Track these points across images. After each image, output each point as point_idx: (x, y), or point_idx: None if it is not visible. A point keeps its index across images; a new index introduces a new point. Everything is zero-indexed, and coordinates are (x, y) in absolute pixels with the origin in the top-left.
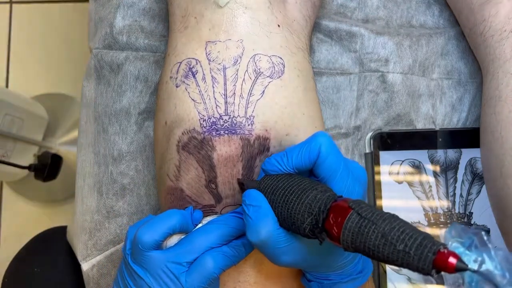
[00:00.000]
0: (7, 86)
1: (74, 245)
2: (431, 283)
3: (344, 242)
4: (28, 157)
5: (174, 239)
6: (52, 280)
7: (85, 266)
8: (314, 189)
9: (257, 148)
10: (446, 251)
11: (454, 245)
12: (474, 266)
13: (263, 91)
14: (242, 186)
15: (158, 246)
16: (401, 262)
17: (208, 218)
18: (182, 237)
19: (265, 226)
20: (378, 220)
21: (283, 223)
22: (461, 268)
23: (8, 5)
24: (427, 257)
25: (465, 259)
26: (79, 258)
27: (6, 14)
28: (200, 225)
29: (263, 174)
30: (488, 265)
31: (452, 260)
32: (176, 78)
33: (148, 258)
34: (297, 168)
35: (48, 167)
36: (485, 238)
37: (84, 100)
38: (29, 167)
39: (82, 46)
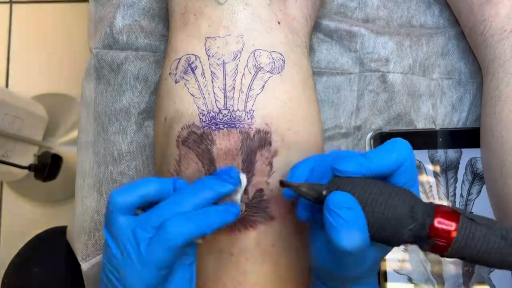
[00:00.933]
0: (7, 86)
1: (74, 245)
2: (432, 283)
3: (456, 246)
4: (28, 157)
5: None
6: (52, 280)
7: (85, 266)
8: (402, 194)
9: (257, 142)
10: None
11: None
12: None
13: (263, 86)
14: (285, 186)
15: (132, 212)
16: None
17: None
18: None
19: (362, 230)
20: (492, 225)
21: (370, 229)
22: None
23: (8, 5)
24: None
25: None
26: (79, 258)
27: (6, 14)
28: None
29: (332, 175)
30: None
31: None
32: (175, 74)
33: (115, 223)
34: (377, 173)
35: (48, 167)
36: None
37: (84, 100)
38: (29, 167)
39: (82, 46)
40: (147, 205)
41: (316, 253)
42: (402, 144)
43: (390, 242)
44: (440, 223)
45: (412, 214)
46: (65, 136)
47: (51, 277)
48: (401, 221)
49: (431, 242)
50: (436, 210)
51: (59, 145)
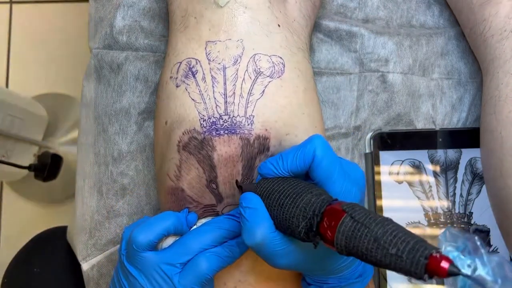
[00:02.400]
0: (7, 86)
1: (74, 245)
2: (431, 283)
3: (338, 245)
4: (28, 157)
5: (169, 241)
6: (52, 280)
7: (85, 266)
8: (309, 192)
9: (257, 148)
10: (438, 256)
11: (447, 249)
12: (468, 271)
13: (263, 91)
14: (241, 188)
15: (153, 247)
16: (394, 266)
17: (203, 220)
18: (177, 239)
19: (261, 229)
20: (371, 223)
21: (279, 226)
22: (453, 272)
23: (8, 5)
24: (419, 261)
25: (458, 263)
26: (79, 258)
27: (6, 14)
28: (194, 227)
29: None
30: (481, 271)
31: (444, 264)
32: (176, 78)
33: (142, 259)
34: (292, 171)
35: (48, 167)
36: (478, 243)
37: (84, 100)
38: (29, 167)
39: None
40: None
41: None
42: (312, 142)
43: (296, 237)
44: (326, 221)
45: (304, 213)
46: (65, 136)
47: (51, 277)
48: (293, 220)
49: (316, 239)
50: (326, 209)
51: (59, 145)
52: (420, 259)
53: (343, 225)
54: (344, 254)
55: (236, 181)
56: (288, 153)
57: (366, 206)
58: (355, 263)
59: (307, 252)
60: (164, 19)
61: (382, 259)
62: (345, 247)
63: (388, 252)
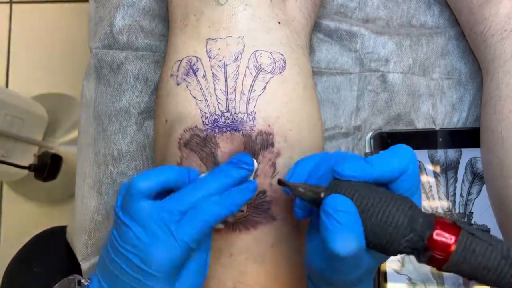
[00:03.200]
0: (7, 86)
1: (74, 245)
2: (432, 283)
3: (454, 260)
4: (28, 157)
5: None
6: (52, 280)
7: (85, 266)
8: (403, 203)
9: (260, 144)
10: None
11: None
12: None
13: (264, 87)
14: (283, 185)
15: (151, 197)
16: None
17: (203, 175)
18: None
19: (358, 235)
20: (492, 241)
21: (367, 235)
22: None
23: (8, 5)
24: None
25: None
26: (79, 258)
27: (6, 14)
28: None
29: (332, 178)
30: None
31: None
32: (177, 76)
33: (138, 207)
34: (378, 179)
35: (48, 167)
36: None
37: (84, 100)
38: (29, 167)
39: (82, 46)
40: (163, 192)
41: (310, 254)
42: (406, 150)
43: (387, 251)
44: (439, 235)
45: (411, 224)
46: (65, 136)
47: (51, 277)
48: (399, 231)
49: (428, 254)
50: (436, 221)
51: (59, 145)
52: None
53: (464, 239)
54: (452, 270)
55: (279, 180)
56: (376, 159)
57: None
58: (366, 283)
59: (362, 265)
60: (164, 18)
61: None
62: (461, 263)
63: None
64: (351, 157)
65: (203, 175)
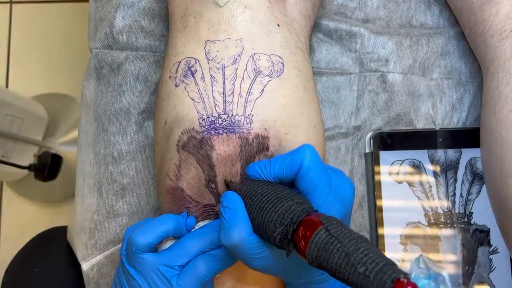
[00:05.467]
0: (7, 86)
1: (74, 245)
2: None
3: (309, 256)
4: (28, 157)
5: (168, 244)
6: (52, 280)
7: (85, 266)
8: (290, 200)
9: (256, 147)
10: (405, 281)
11: (418, 276)
12: None
13: (262, 90)
14: (228, 187)
15: (152, 249)
16: (361, 285)
17: (201, 224)
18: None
19: (238, 230)
20: (345, 239)
21: (256, 229)
22: None
23: (8, 5)
24: (385, 284)
25: None
26: (79, 258)
27: (6, 14)
28: (193, 230)
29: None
30: None
31: None
32: (176, 77)
33: (141, 260)
34: (278, 178)
35: (48, 167)
36: (446, 279)
37: (84, 100)
38: (29, 167)
39: (82, 46)
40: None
41: None
42: (303, 149)
43: (271, 243)
44: (302, 230)
45: (281, 220)
46: (65, 136)
47: (51, 277)
48: (270, 225)
49: (290, 247)
50: (303, 219)
51: (59, 145)
52: (387, 281)
53: (317, 236)
54: (315, 266)
55: (225, 180)
56: (277, 159)
57: (366, 206)
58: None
59: (282, 259)
60: (164, 19)
61: (350, 276)
62: (316, 259)
63: (356, 270)
64: (273, 159)
65: (201, 223)
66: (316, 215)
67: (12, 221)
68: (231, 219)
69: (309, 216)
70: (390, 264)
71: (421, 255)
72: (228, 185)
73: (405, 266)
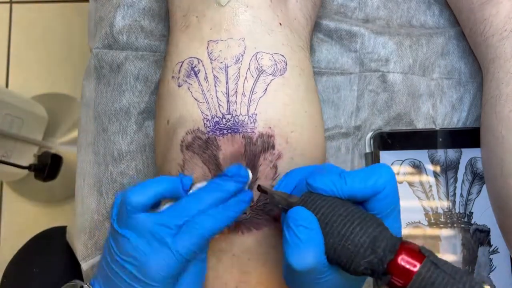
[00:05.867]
0: (7, 86)
1: (74, 245)
2: None
3: None
4: (28, 157)
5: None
6: (52, 280)
7: (85, 266)
8: (377, 224)
9: (260, 146)
10: None
11: None
12: None
13: (266, 89)
14: (264, 192)
15: (146, 210)
16: None
17: (198, 185)
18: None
19: (316, 253)
20: (455, 274)
21: (329, 252)
22: None
23: (8, 5)
24: None
25: None
26: (79, 258)
27: (6, 14)
28: (191, 191)
29: (305, 189)
30: None
31: None
32: (178, 77)
33: (134, 220)
34: (352, 195)
35: (48, 167)
36: None
37: (84, 100)
38: (29, 167)
39: (82, 46)
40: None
41: (283, 263)
42: (384, 170)
43: (348, 269)
44: (402, 260)
45: (372, 245)
46: (65, 136)
47: (51, 277)
48: (359, 251)
49: (386, 279)
50: (400, 246)
51: (59, 145)
52: None
53: (425, 268)
54: None
55: (259, 185)
56: (352, 175)
57: None
58: None
59: (344, 285)
60: (164, 18)
61: None
62: None
63: None
64: (330, 169)
65: (198, 184)
66: (413, 244)
67: (12, 221)
68: (307, 240)
69: (406, 245)
70: None
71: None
72: (264, 190)
73: None
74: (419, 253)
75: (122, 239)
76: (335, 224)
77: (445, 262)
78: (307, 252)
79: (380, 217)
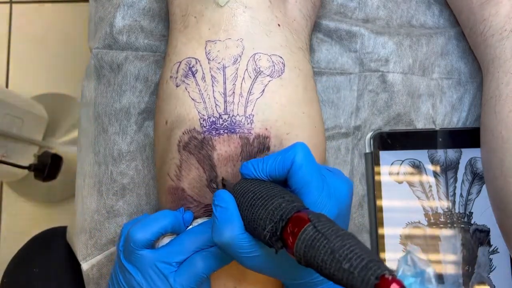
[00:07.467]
0: (7, 86)
1: (74, 245)
2: (432, 283)
3: (297, 253)
4: (28, 157)
5: (166, 240)
6: (52, 280)
7: (85, 266)
8: (281, 197)
9: (257, 147)
10: (390, 278)
11: (404, 274)
12: None
13: (263, 90)
14: (224, 186)
15: (150, 245)
16: (346, 282)
17: (199, 220)
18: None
19: (230, 228)
20: (331, 235)
21: (248, 227)
22: None
23: (8, 5)
24: (369, 280)
25: None
26: (79, 258)
27: (6, 14)
28: (191, 226)
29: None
30: None
31: (394, 287)
32: (176, 77)
33: (138, 257)
34: (271, 176)
35: (48, 167)
36: (431, 275)
37: (84, 100)
38: (29, 167)
39: (82, 46)
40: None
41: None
42: (295, 147)
43: (263, 241)
44: (290, 228)
45: (271, 217)
46: (65, 136)
47: (51, 277)
48: (261, 222)
49: (279, 244)
50: (292, 216)
51: (59, 145)
52: (371, 278)
53: (304, 233)
54: (302, 264)
55: (222, 178)
56: (270, 157)
57: (366, 206)
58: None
59: (275, 258)
60: (164, 19)
61: (335, 273)
62: (303, 256)
63: (341, 266)
64: (267, 157)
65: (199, 220)
66: (306, 212)
67: (12, 221)
68: (222, 217)
69: (298, 213)
70: (376, 260)
71: (409, 252)
72: (225, 184)
73: (394, 264)
74: (306, 220)
75: (128, 274)
76: (246, 201)
77: (329, 225)
78: (222, 228)
79: (297, 193)
